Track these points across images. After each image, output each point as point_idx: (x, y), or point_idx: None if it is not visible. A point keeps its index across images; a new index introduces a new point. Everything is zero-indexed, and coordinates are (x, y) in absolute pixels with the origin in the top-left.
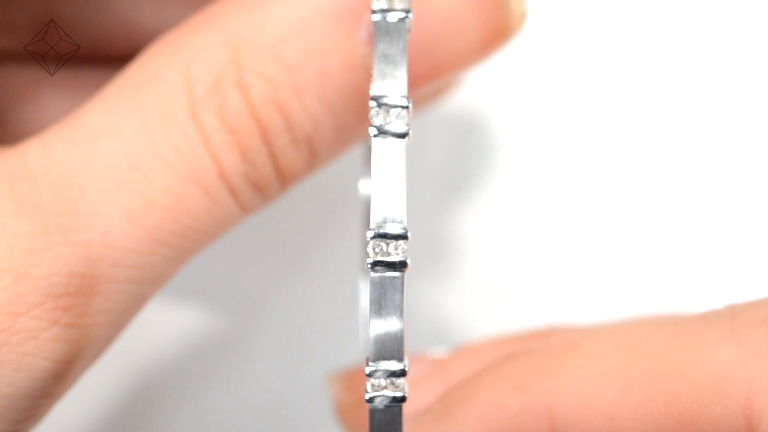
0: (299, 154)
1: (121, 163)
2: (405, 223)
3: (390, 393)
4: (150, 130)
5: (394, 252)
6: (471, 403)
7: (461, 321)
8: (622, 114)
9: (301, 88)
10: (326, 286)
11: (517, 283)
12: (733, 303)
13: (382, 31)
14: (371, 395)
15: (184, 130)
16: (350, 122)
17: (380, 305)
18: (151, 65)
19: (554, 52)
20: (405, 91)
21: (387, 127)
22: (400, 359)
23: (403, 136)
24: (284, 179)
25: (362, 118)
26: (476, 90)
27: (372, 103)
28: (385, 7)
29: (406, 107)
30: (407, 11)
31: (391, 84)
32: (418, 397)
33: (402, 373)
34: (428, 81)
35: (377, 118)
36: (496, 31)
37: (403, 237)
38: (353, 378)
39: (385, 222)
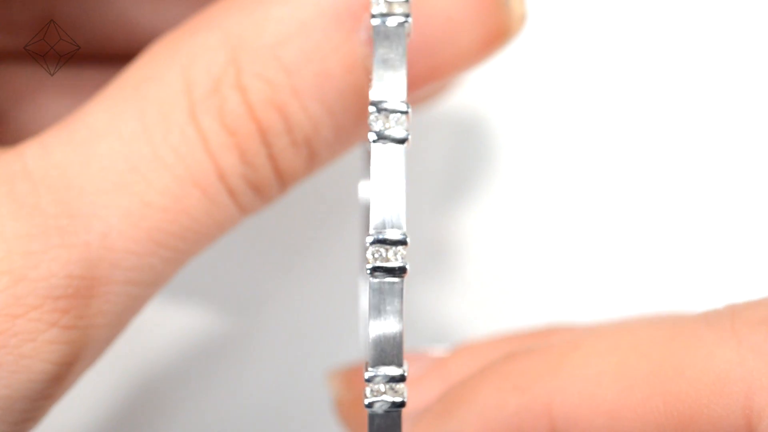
0: (298, 155)
1: (120, 165)
2: (404, 229)
3: (389, 398)
4: (149, 132)
5: (394, 258)
6: (471, 403)
7: (461, 322)
8: (622, 115)
9: (301, 89)
10: (326, 286)
11: (516, 284)
12: (732, 303)
13: (381, 35)
14: (370, 400)
15: (184, 132)
16: (350, 123)
17: (379, 310)
18: (151, 66)
19: (554, 53)
20: (404, 97)
21: (386, 133)
22: (400, 364)
23: (402, 141)
24: (283, 180)
25: (362, 119)
26: (475, 91)
27: (371, 108)
28: (384, 11)
29: (406, 112)
30: (407, 15)
31: (390, 89)
32: (418, 395)
33: (401, 379)
34: (428, 82)
35: (377, 123)
36: (496, 32)
37: (402, 243)
38: (353, 376)
39: (385, 227)
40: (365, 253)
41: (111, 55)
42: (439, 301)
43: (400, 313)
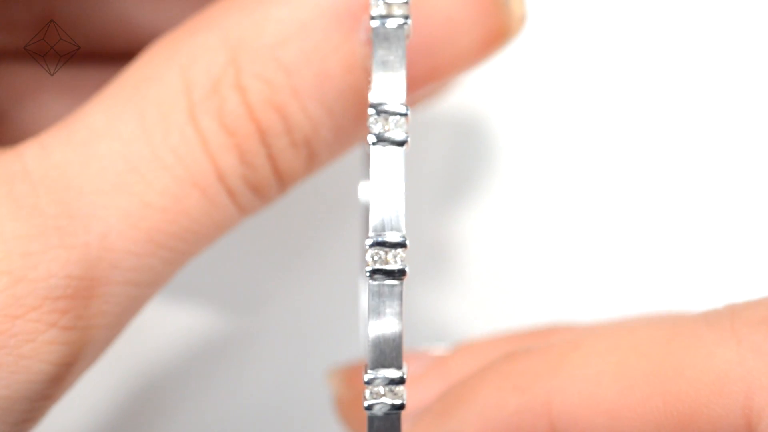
0: (298, 155)
1: (119, 166)
2: (404, 232)
3: (389, 400)
4: (148, 132)
5: (393, 260)
6: (471, 403)
7: (461, 323)
8: (621, 116)
9: (300, 90)
10: (327, 286)
11: (516, 284)
12: (732, 302)
13: (380, 37)
14: (370, 402)
15: (183, 132)
16: (349, 124)
17: (379, 313)
18: (150, 67)
19: (553, 54)
20: (404, 99)
21: (386, 135)
22: (399, 367)
23: (401, 144)
24: (283, 181)
25: (361, 120)
26: (474, 92)
27: (371, 111)
28: (383, 13)
29: (405, 115)
30: (406, 17)
31: (389, 91)
32: (418, 393)
33: (401, 381)
34: (428, 82)
35: (376, 125)
36: (496, 33)
37: (401, 245)
38: (353, 374)
39: (384, 230)
40: (365, 255)
41: (111, 54)
42: (438, 302)
43: (400, 316)
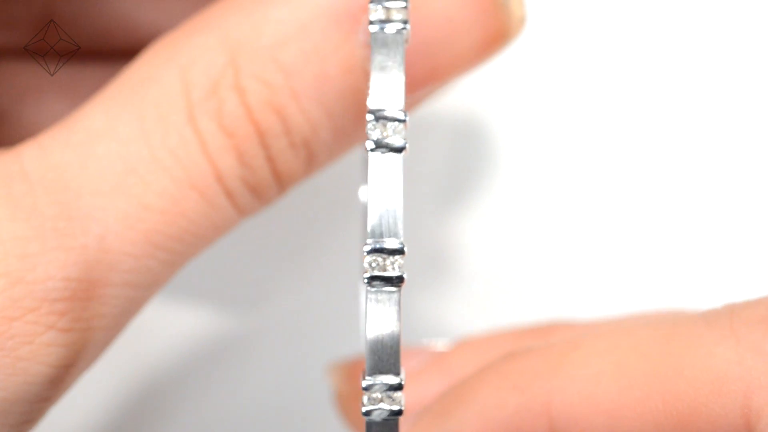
0: (297, 157)
1: (117, 167)
2: (402, 238)
3: (387, 406)
4: (147, 134)
5: (391, 267)
6: (470, 402)
7: (460, 326)
8: (621, 118)
9: (299, 91)
10: (327, 285)
11: (516, 288)
12: (731, 302)
13: (379, 42)
14: (368, 408)
15: (182, 134)
16: (348, 125)
17: (376, 319)
18: (149, 68)
19: (553, 56)
20: (402, 105)
21: (384, 141)
22: (397, 373)
23: (400, 150)
24: (282, 182)
25: (360, 121)
26: (473, 94)
27: (369, 116)
28: (382, 17)
29: (404, 121)
30: (405, 22)
31: (388, 97)
32: (418, 389)
33: (399, 387)
34: (427, 84)
35: (374, 131)
36: (495, 34)
37: (400, 252)
38: (353, 369)
39: (382, 237)
40: (363, 262)
41: (111, 52)
42: (438, 305)
43: (398, 323)
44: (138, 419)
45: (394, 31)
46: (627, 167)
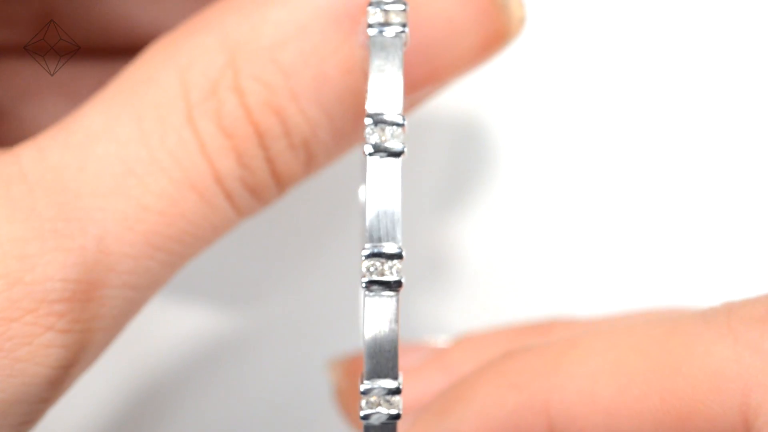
0: (296, 158)
1: (116, 168)
2: (400, 243)
3: (385, 411)
4: (146, 135)
5: (389, 272)
6: (469, 401)
7: (459, 327)
8: (620, 119)
9: (299, 92)
10: (328, 284)
11: (516, 290)
12: (730, 300)
13: (378, 46)
14: (366, 412)
15: (180, 135)
16: (348, 126)
17: (374, 323)
18: (148, 69)
19: (552, 57)
20: (401, 109)
21: (383, 146)
22: (395, 377)
23: (398, 154)
24: (281, 183)
25: (360, 122)
26: (472, 95)
27: (368, 120)
28: (381, 20)
29: (402, 125)
30: (404, 25)
31: (387, 101)
32: (418, 386)
33: (397, 391)
34: (426, 85)
35: (373, 136)
36: (495, 35)
37: (398, 257)
38: (353, 365)
39: (381, 241)
40: (361, 266)
41: (111, 50)
42: (436, 307)
43: (396, 327)
44: (138, 419)
45: (393, 34)
46: (625, 167)
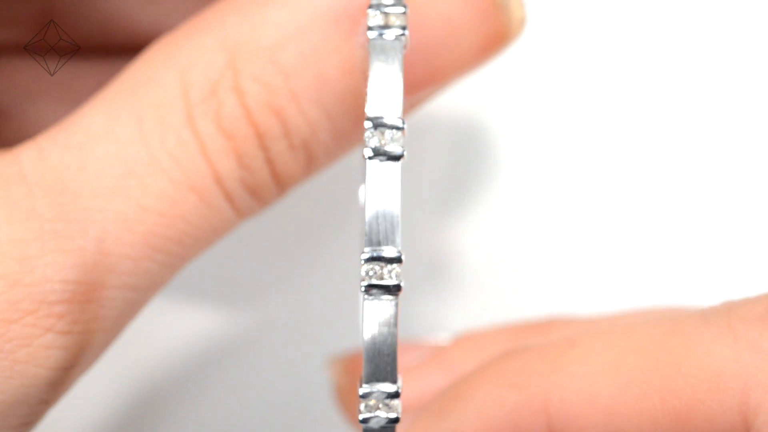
0: (296, 159)
1: (116, 169)
2: (399, 247)
3: (384, 414)
4: (146, 136)
5: (388, 276)
6: (469, 400)
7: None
8: (619, 121)
9: (299, 93)
10: (328, 284)
11: (515, 291)
12: (729, 299)
13: (378, 49)
14: (365, 416)
15: (180, 136)
16: (348, 127)
17: (373, 327)
18: (148, 69)
19: (553, 58)
20: (401, 112)
21: (382, 149)
22: (394, 381)
23: (398, 158)
24: (281, 184)
25: (360, 122)
26: (472, 97)
27: (367, 124)
28: (381, 23)
29: (402, 128)
30: (404, 28)
31: (386, 104)
32: (418, 383)
33: (396, 395)
34: (426, 86)
35: (372, 139)
36: (496, 36)
37: (397, 260)
38: (352, 362)
39: (380, 245)
40: (360, 270)
41: (112, 49)
42: (436, 308)
43: (395, 331)
44: (138, 419)
45: (393, 37)
46: (625, 167)
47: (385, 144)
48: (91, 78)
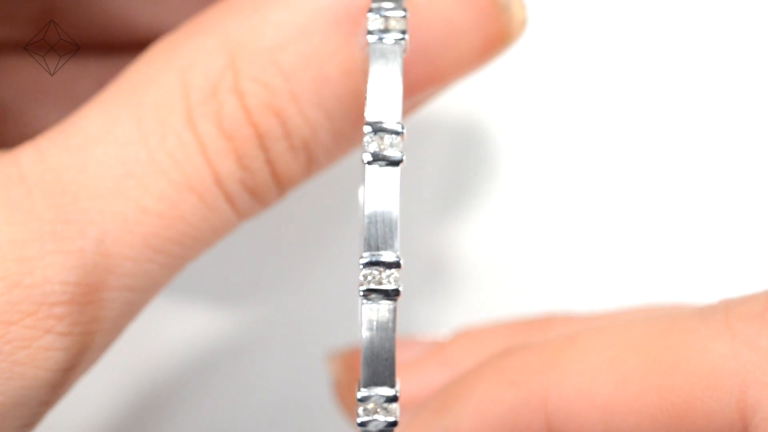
0: (296, 160)
1: (115, 170)
2: (398, 252)
3: (382, 418)
4: (145, 137)
5: (387, 280)
6: (467, 398)
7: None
8: (619, 123)
9: (299, 94)
10: (328, 284)
11: (515, 293)
12: (727, 297)
13: (377, 53)
14: (363, 419)
15: (180, 137)
16: (348, 128)
17: (372, 331)
18: (148, 70)
19: (553, 59)
20: (400, 117)
21: (382, 154)
22: (392, 385)
23: (397, 163)
24: (281, 185)
25: (360, 123)
26: (472, 98)
27: (367, 129)
28: (381, 27)
29: (401, 133)
30: (403, 32)
31: (386, 109)
32: (417, 380)
33: (394, 399)
34: (426, 87)
35: (372, 144)
36: (496, 36)
37: (396, 265)
38: (352, 358)
39: (379, 250)
40: (359, 274)
41: (112, 47)
42: (435, 309)
43: (393, 335)
44: (138, 420)
45: (393, 41)
46: (624, 167)
47: (384, 149)
48: (91, 78)
